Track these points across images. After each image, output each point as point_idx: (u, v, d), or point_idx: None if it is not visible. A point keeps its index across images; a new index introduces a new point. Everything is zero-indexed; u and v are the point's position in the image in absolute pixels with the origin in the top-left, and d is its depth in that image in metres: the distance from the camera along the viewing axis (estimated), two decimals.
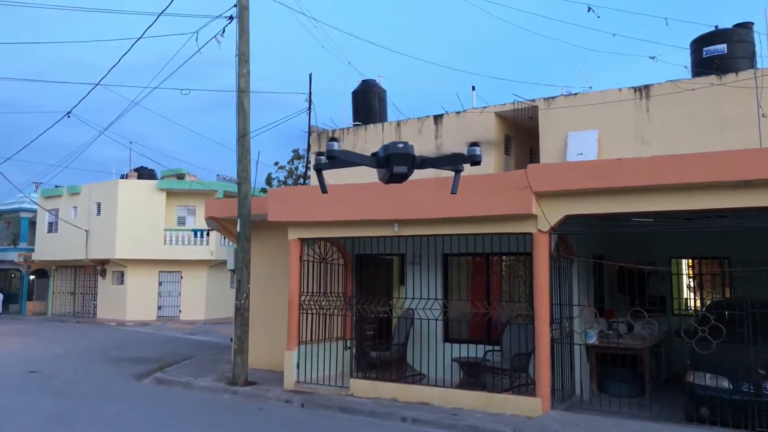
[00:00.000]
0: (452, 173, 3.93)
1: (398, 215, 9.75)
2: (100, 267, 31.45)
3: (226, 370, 12.23)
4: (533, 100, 13.77)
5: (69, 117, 15.32)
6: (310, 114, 17.30)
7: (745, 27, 13.14)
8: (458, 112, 14.80)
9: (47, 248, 33.54)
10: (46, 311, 35.05)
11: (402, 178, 3.63)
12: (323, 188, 3.87)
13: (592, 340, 9.97)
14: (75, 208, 32.30)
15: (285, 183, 29.29)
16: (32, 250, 35.26)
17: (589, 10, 14.59)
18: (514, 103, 14.01)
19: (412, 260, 11.60)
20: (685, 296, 12.83)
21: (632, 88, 12.65)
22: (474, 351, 10.18)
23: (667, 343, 10.59)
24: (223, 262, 25.81)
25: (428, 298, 10.23)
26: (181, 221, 31.41)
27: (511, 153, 15.04)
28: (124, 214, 29.52)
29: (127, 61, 12.99)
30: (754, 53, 12.87)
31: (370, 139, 15.84)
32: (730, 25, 13.19)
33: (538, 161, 13.76)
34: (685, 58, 13.66)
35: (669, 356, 10.71)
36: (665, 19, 14.83)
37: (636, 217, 8.81)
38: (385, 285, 12.38)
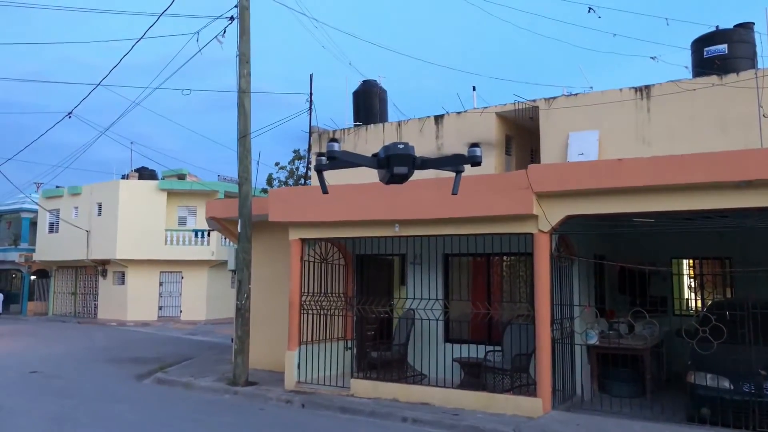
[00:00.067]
0: (453, 173, 3.93)
1: (399, 215, 9.75)
2: (101, 267, 31.48)
3: (227, 371, 12.24)
4: (534, 101, 13.76)
5: (70, 117, 15.36)
6: (310, 114, 17.31)
7: (746, 27, 13.13)
8: (459, 113, 14.80)
9: (48, 248, 33.57)
10: (47, 311, 35.09)
11: (402, 178, 3.63)
12: (324, 189, 3.88)
13: (593, 340, 9.96)
14: (76, 208, 32.34)
15: (286, 183, 29.31)
16: (33, 250, 35.29)
17: (589, 11, 14.60)
18: (514, 103, 14.01)
19: (412, 260, 11.60)
20: (686, 296, 12.81)
21: (633, 88, 12.64)
22: (475, 351, 10.18)
23: (668, 344, 10.57)
24: (224, 263, 25.84)
25: (429, 299, 10.23)
26: (182, 222, 31.43)
27: (512, 153, 15.04)
28: (125, 215, 29.55)
29: (128, 62, 13.01)
30: (755, 53, 12.86)
31: (371, 140, 15.84)
32: (730, 25, 13.18)
33: (538, 161, 13.75)
34: (686, 59, 13.66)
35: (670, 356, 10.69)
36: (666, 19, 14.84)
37: (637, 218, 8.81)
38: (386, 285, 12.38)
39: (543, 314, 8.73)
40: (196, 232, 30.14)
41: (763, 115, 11.04)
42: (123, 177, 32.28)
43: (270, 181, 29.68)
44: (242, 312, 11.54)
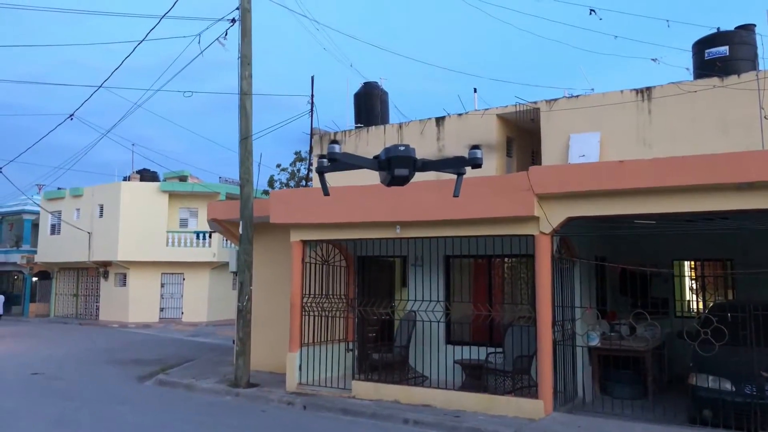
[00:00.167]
0: (454, 174, 3.94)
1: (400, 217, 9.75)
2: (102, 269, 31.52)
3: (229, 372, 12.24)
4: (535, 102, 13.78)
5: (72, 119, 15.38)
6: (312, 116, 17.32)
7: (747, 29, 13.15)
8: (460, 115, 14.81)
9: (50, 250, 33.61)
10: (48, 313, 35.12)
11: (403, 180, 3.65)
12: (325, 190, 3.89)
13: (595, 342, 9.96)
14: (78, 210, 32.38)
15: (287, 185, 29.29)
16: (35, 252, 35.33)
17: (591, 13, 14.61)
18: (515, 105, 14.02)
19: (414, 262, 11.60)
20: (687, 298, 12.80)
21: (634, 90, 12.65)
22: (476, 353, 10.18)
23: (669, 345, 10.56)
24: (226, 264, 25.83)
25: (430, 300, 10.23)
26: (184, 223, 31.45)
27: (513, 155, 15.05)
28: (127, 216, 29.59)
29: (130, 64, 13.06)
30: (756, 55, 12.87)
31: (372, 142, 15.87)
32: (731, 27, 13.19)
33: (540, 163, 13.76)
34: (687, 60, 13.68)
35: (671, 358, 10.69)
36: (667, 21, 14.86)
37: (638, 219, 8.81)
38: (387, 287, 12.38)
39: (544, 316, 8.73)
40: (197, 233, 30.17)
41: (765, 117, 11.04)
42: (125, 179, 32.34)
43: (271, 182, 29.67)
44: (244, 314, 11.55)
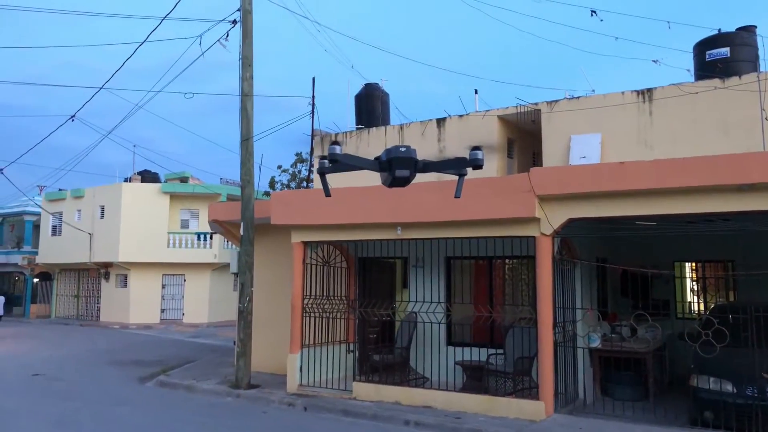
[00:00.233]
0: (455, 176, 3.94)
1: (401, 218, 9.75)
2: (103, 270, 31.53)
3: (229, 373, 12.24)
4: (536, 104, 13.78)
5: (73, 120, 15.41)
6: (313, 117, 17.36)
7: (748, 30, 13.15)
8: (461, 116, 14.82)
9: (51, 251, 33.64)
10: (49, 314, 35.14)
11: (404, 181, 3.65)
12: (327, 191, 3.89)
13: (596, 343, 9.95)
14: (79, 211, 32.41)
15: (288, 186, 29.29)
16: (36, 253, 35.36)
17: (592, 14, 14.61)
18: (517, 106, 14.03)
19: (415, 263, 11.61)
20: (688, 300, 12.79)
21: (635, 91, 12.65)
22: (477, 354, 10.17)
23: (670, 347, 10.56)
24: (227, 265, 25.86)
25: (431, 302, 10.23)
26: (185, 224, 31.46)
27: (514, 156, 15.05)
28: (128, 218, 29.61)
29: (131, 65, 13.07)
30: (757, 56, 12.87)
31: (373, 143, 15.87)
32: (733, 29, 13.19)
33: (541, 164, 13.76)
34: (688, 62, 13.68)
35: (672, 360, 10.68)
36: (668, 22, 14.86)
37: (639, 221, 8.80)
38: (388, 288, 12.38)
39: (545, 317, 8.72)
40: (198, 235, 30.18)
41: (766, 118, 11.04)
42: (126, 180, 32.37)
43: (272, 184, 29.67)
44: (244, 315, 11.55)
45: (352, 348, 11.72)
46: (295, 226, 10.92)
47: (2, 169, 22.38)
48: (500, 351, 9.91)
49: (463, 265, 11.44)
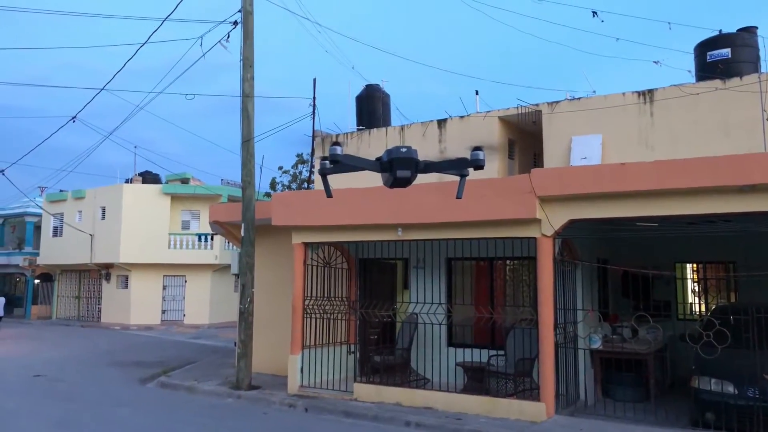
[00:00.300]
0: (456, 177, 3.94)
1: (402, 219, 9.75)
2: (104, 271, 31.54)
3: (230, 375, 12.24)
4: (537, 105, 13.78)
5: (74, 122, 15.40)
6: (314, 118, 17.37)
7: (749, 31, 13.14)
8: (462, 117, 14.82)
9: (52, 252, 33.64)
10: (50, 315, 35.15)
11: (405, 182, 3.64)
12: (328, 192, 3.88)
13: (597, 344, 9.94)
14: (80, 212, 32.42)
15: (289, 187, 29.28)
16: (37, 254, 35.36)
17: (594, 15, 14.61)
18: (517, 107, 14.03)
19: (416, 264, 11.60)
20: (689, 301, 12.78)
21: (636, 92, 12.64)
22: (478, 355, 10.16)
23: (671, 348, 10.54)
24: (228, 266, 25.83)
25: (432, 303, 10.22)
26: (186, 225, 31.46)
27: (515, 157, 15.04)
28: (129, 219, 29.62)
29: (132, 67, 13.07)
30: (758, 57, 12.87)
31: (374, 144, 15.87)
32: (734, 30, 13.19)
33: (542, 166, 13.75)
34: (689, 63, 13.67)
35: (674, 361, 10.67)
36: (669, 23, 14.84)
37: (640, 222, 8.80)
38: (389, 289, 12.37)
39: (546, 318, 8.72)
40: (199, 236, 30.18)
41: (767, 119, 11.03)
42: (127, 181, 32.38)
43: (273, 185, 29.65)
44: (245, 316, 11.55)
45: (352, 349, 11.72)
46: (296, 227, 10.92)
47: (3, 171, 22.37)
48: (501, 352, 9.90)
49: (463, 266, 11.44)
